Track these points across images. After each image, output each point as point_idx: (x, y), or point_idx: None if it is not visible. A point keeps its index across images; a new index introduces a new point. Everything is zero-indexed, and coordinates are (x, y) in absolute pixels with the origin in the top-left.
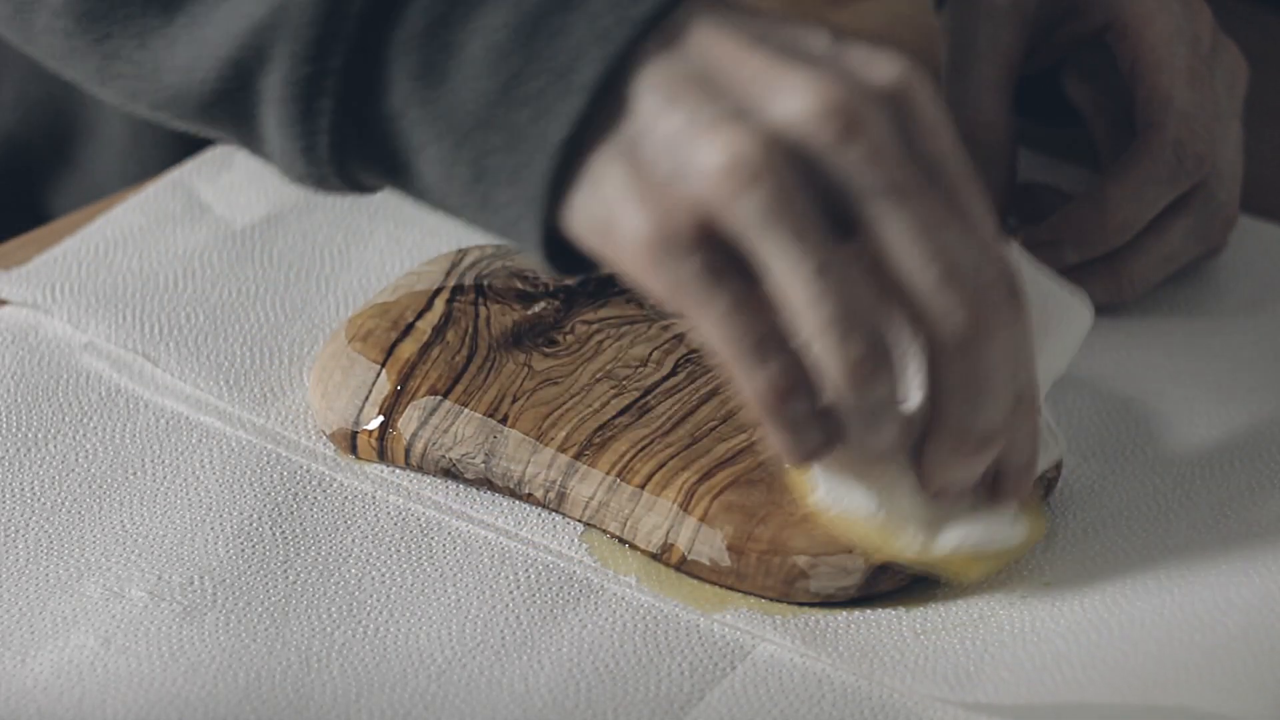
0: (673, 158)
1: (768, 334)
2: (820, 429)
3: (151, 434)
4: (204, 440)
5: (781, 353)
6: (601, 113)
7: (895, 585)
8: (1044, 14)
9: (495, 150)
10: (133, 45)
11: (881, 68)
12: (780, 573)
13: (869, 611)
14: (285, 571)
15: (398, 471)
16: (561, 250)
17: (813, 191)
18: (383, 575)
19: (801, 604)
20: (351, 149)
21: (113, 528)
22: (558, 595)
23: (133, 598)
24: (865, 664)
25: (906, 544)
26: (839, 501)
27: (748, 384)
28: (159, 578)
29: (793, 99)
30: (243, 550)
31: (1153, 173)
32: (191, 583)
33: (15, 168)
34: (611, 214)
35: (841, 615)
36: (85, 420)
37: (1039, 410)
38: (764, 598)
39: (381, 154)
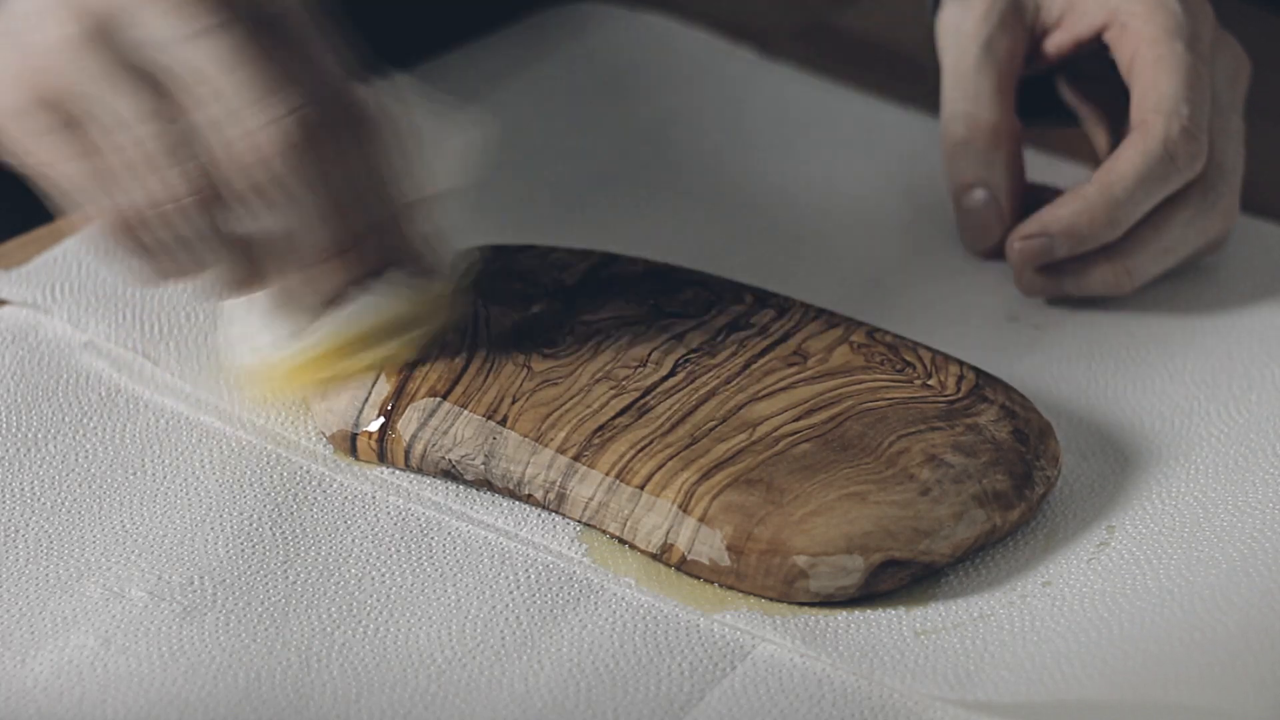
0: (16, 34)
1: (111, 171)
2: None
3: (151, 434)
4: (204, 440)
5: (127, 186)
6: None
7: (895, 585)
8: (1042, 16)
9: None
10: None
11: None
12: (780, 573)
13: (869, 611)
14: (285, 572)
15: (397, 472)
16: None
17: (140, 55)
18: (382, 575)
19: (801, 604)
20: None
21: (113, 528)
22: (557, 596)
23: (133, 598)
24: (865, 664)
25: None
26: (243, 347)
27: (101, 215)
28: (159, 578)
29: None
30: (243, 550)
31: (1145, 169)
32: (191, 583)
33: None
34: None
35: (841, 615)
36: (85, 420)
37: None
38: (764, 598)
39: None
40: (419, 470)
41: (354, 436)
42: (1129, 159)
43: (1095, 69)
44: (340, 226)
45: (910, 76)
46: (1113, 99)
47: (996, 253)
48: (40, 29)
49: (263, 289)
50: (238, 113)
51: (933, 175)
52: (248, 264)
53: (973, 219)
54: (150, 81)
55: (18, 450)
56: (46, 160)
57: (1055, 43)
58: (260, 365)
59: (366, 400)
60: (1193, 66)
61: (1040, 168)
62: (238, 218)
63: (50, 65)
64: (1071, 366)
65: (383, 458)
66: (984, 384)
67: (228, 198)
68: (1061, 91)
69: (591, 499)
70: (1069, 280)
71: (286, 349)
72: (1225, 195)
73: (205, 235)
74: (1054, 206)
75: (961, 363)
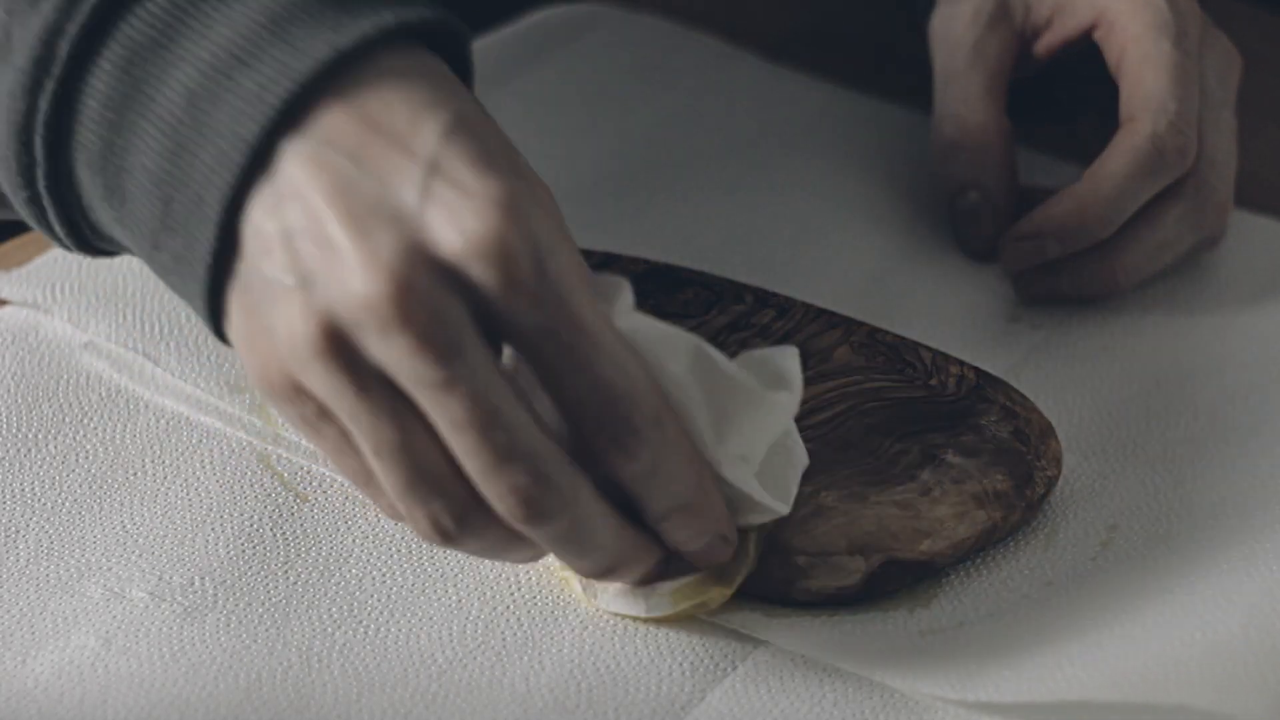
0: (262, 315)
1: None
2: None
3: (152, 434)
4: (204, 440)
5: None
6: (228, 245)
7: (896, 585)
8: (1032, 17)
9: (170, 269)
10: None
11: (462, 226)
12: (780, 573)
13: (870, 612)
14: (286, 572)
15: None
16: None
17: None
18: (383, 576)
19: (802, 604)
20: (95, 240)
21: (113, 528)
22: (558, 595)
23: (133, 598)
24: (866, 664)
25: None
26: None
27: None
28: (160, 578)
29: (348, 280)
30: (243, 551)
31: (1134, 166)
32: (192, 583)
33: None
34: (238, 347)
35: (842, 616)
36: (85, 420)
37: (704, 507)
38: (765, 598)
39: (111, 243)
40: None
41: None
42: (1118, 156)
43: (1087, 70)
44: (594, 560)
45: (910, 77)
46: (1104, 99)
47: (991, 254)
48: (280, 316)
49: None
50: (483, 474)
51: (933, 175)
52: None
53: (966, 221)
54: (392, 399)
55: (18, 450)
56: (313, 444)
57: (1045, 43)
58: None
59: None
60: (1180, 63)
61: (1034, 168)
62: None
63: (291, 360)
64: (1072, 366)
65: None
66: (984, 384)
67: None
68: (1054, 92)
69: None
70: (1065, 280)
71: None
72: (1218, 190)
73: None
74: (1045, 206)
75: (962, 363)
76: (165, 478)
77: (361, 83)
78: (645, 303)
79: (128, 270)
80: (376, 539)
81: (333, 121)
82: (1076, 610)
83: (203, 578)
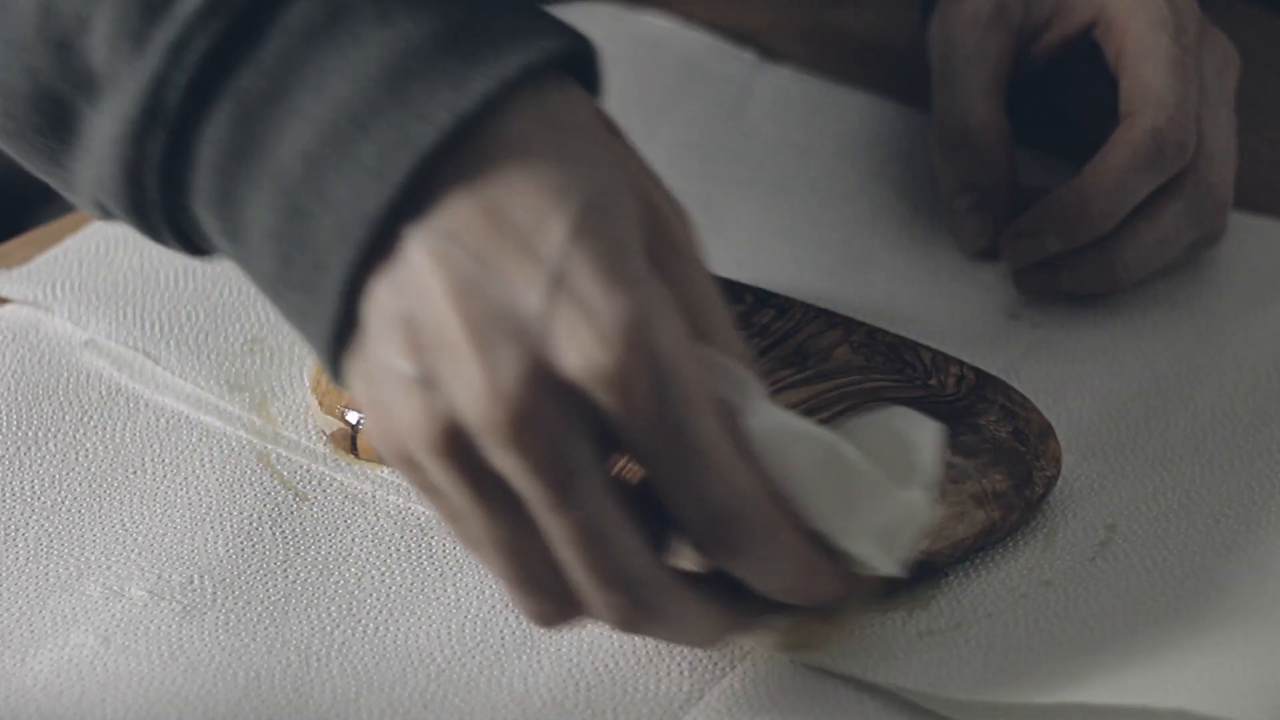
0: (382, 394)
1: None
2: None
3: (152, 433)
4: (204, 439)
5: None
6: (350, 316)
7: (895, 585)
8: (1030, 17)
9: (292, 317)
10: (50, 169)
11: (582, 347)
12: None
13: (869, 613)
14: (285, 571)
15: (398, 471)
16: None
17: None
18: (382, 575)
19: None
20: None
21: (113, 526)
22: None
23: (133, 597)
24: (865, 664)
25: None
26: None
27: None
28: (159, 577)
29: (470, 387)
30: (242, 549)
31: (1132, 162)
32: (191, 582)
33: (20, 196)
34: (359, 404)
35: None
36: (85, 419)
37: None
38: None
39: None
40: None
41: (354, 434)
42: (1117, 150)
43: (1087, 70)
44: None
45: (910, 76)
46: (1105, 99)
47: (991, 253)
48: (399, 404)
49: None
50: (586, 588)
51: (933, 175)
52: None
53: (965, 221)
54: (505, 500)
55: (18, 449)
56: (429, 505)
57: (1045, 43)
58: None
59: None
60: (1179, 58)
61: (1034, 168)
62: None
63: (410, 444)
64: (1072, 366)
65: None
66: (984, 384)
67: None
68: (1054, 92)
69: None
70: (1065, 276)
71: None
72: (1218, 186)
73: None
74: (1045, 201)
75: (961, 363)
76: (165, 476)
77: (486, 159)
78: None
79: (128, 269)
80: (375, 538)
81: (457, 211)
82: (1075, 611)
83: (202, 576)
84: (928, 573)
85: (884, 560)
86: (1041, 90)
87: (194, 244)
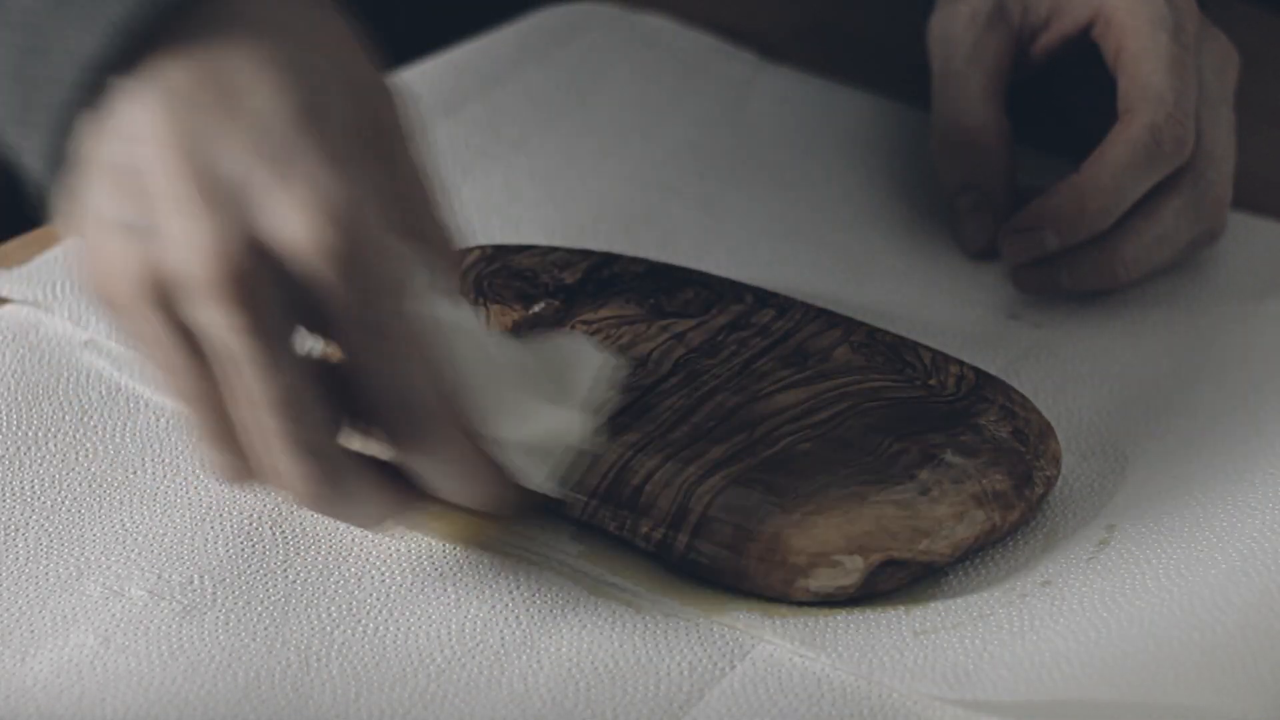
0: (91, 239)
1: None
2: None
3: (152, 432)
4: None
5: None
6: (58, 152)
7: (895, 585)
8: (1029, 17)
9: (20, 153)
10: None
11: (297, 221)
12: (780, 572)
13: (869, 611)
14: (285, 571)
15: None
16: None
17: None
18: (382, 575)
19: (801, 603)
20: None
21: (113, 526)
22: (557, 595)
23: (133, 596)
24: (864, 664)
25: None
26: None
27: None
28: (159, 576)
29: (187, 241)
30: (242, 549)
31: (1131, 157)
32: (191, 581)
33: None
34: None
35: (841, 615)
36: (86, 418)
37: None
38: (763, 597)
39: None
40: None
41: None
42: (1116, 146)
43: (1087, 69)
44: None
45: (910, 76)
46: (1104, 99)
47: (991, 253)
48: (107, 249)
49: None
50: (273, 454)
51: (933, 175)
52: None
53: (965, 221)
54: (199, 356)
55: (18, 448)
56: (137, 350)
57: (1044, 43)
58: None
59: None
60: (1177, 56)
61: (1034, 168)
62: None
63: (115, 288)
64: (1072, 365)
65: None
66: (984, 384)
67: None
68: (1054, 92)
69: (591, 498)
70: (1064, 274)
71: None
72: (1216, 184)
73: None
74: (1044, 198)
75: (961, 362)
76: (165, 476)
77: (212, 24)
78: (646, 302)
79: None
80: (375, 538)
81: (182, 70)
82: (1074, 610)
83: (202, 576)
84: (927, 572)
85: (535, 474)
86: (1041, 90)
87: None
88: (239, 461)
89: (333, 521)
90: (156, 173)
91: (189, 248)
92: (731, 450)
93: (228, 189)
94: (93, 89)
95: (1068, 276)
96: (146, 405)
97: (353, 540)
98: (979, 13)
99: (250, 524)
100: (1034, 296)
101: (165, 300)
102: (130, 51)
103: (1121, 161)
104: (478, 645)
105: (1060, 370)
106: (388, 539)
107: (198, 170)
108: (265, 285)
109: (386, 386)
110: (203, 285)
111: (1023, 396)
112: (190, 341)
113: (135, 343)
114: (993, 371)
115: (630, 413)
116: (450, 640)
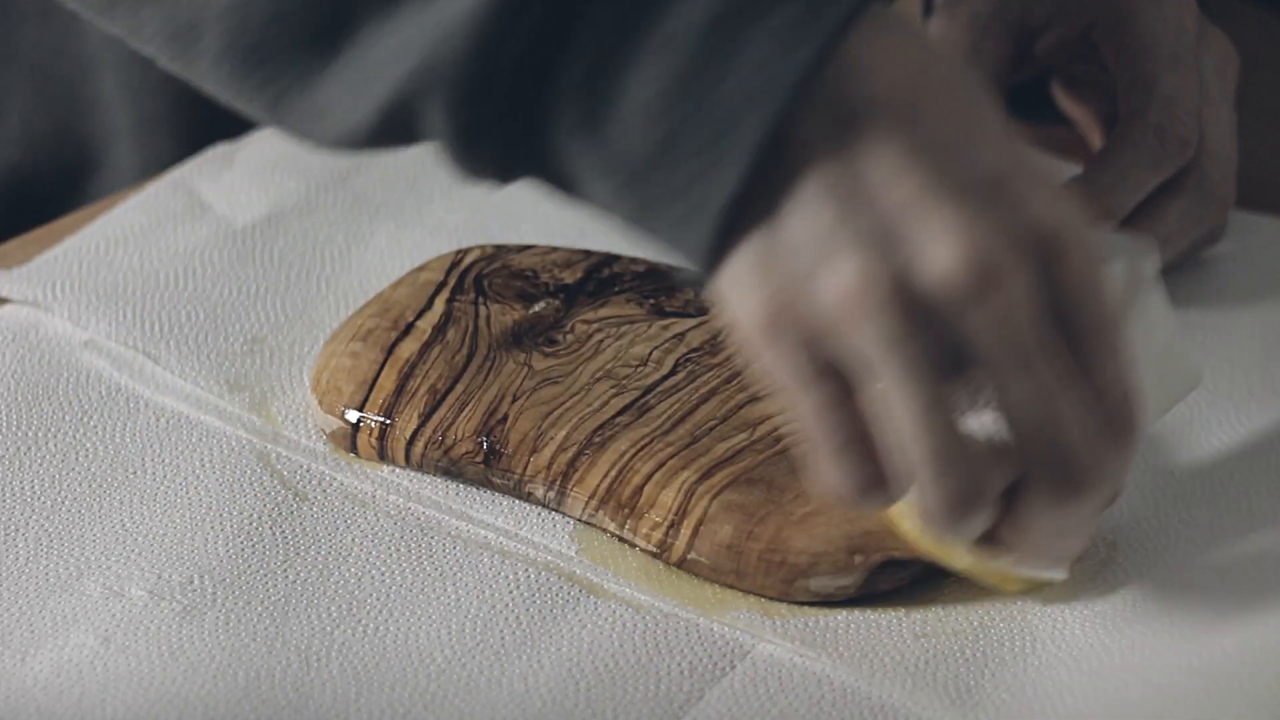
0: (806, 259)
1: (855, 436)
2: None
3: (152, 432)
4: (204, 439)
5: (864, 458)
6: (756, 183)
7: (895, 585)
8: (1029, 20)
9: (659, 199)
10: (295, 90)
11: (1040, 209)
12: (780, 572)
13: (869, 612)
14: (285, 571)
15: (397, 471)
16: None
17: (935, 329)
18: (382, 575)
19: (801, 603)
20: (520, 172)
21: (113, 526)
22: (557, 595)
23: (133, 596)
24: (864, 666)
25: (961, 556)
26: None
27: (826, 472)
28: (159, 576)
29: (934, 244)
30: (242, 549)
31: (1135, 157)
32: (191, 582)
33: (23, 200)
34: (741, 285)
35: (841, 616)
36: (85, 418)
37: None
38: (764, 596)
39: (550, 176)
40: (419, 468)
41: (354, 434)
42: (1120, 147)
43: (1087, 72)
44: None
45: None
46: (1105, 100)
47: None
48: (834, 266)
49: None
50: (1023, 447)
51: None
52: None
53: None
54: (937, 365)
55: (18, 448)
56: (794, 392)
57: (1044, 45)
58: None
59: (367, 398)
60: (1179, 56)
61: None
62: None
63: (828, 310)
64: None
65: (383, 456)
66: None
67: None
68: (1057, 99)
69: (591, 498)
70: None
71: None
72: (1220, 183)
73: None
74: None
75: None
76: (165, 476)
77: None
78: (646, 302)
79: (128, 269)
80: (375, 538)
81: (893, 75)
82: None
83: (202, 576)
84: (927, 572)
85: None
86: (1041, 90)
87: (503, 157)
88: (870, 470)
89: (333, 521)
90: (898, 178)
91: (944, 246)
92: (732, 450)
93: (978, 189)
94: (799, 100)
95: None
96: (146, 405)
97: (353, 540)
98: (978, 15)
99: (250, 524)
100: None
101: (906, 309)
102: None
103: (1129, 161)
104: (478, 645)
105: None
106: (390, 537)
107: (934, 169)
108: (1016, 280)
109: (1038, 422)
110: (959, 283)
111: None
112: (925, 352)
113: (801, 383)
114: None
115: (630, 412)
116: (450, 640)
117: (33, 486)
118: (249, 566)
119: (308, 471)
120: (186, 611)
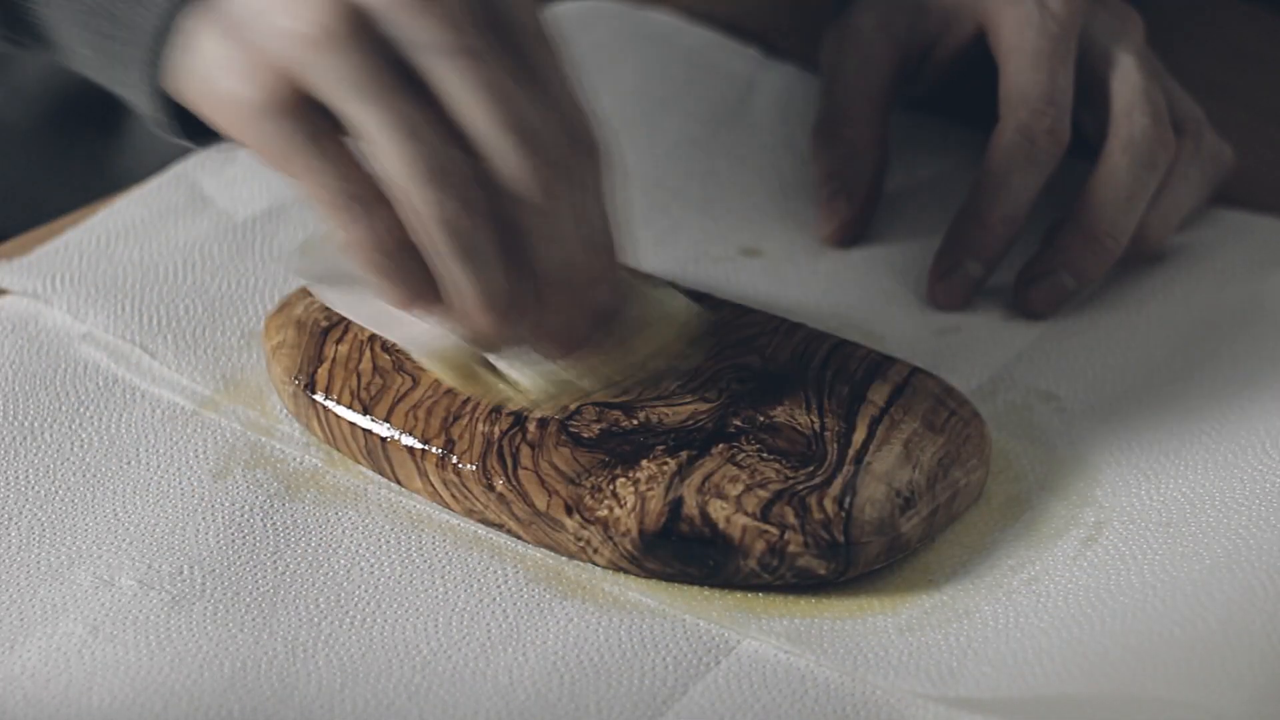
0: (258, 21)
1: (366, 191)
2: (424, 277)
3: (146, 424)
4: (197, 432)
5: (380, 208)
6: None
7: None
8: (917, 33)
9: (111, 16)
10: None
11: None
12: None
13: (854, 609)
14: (274, 562)
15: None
16: (187, 115)
17: (395, 53)
18: (370, 567)
19: (786, 588)
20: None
21: (104, 517)
22: (543, 590)
23: (122, 586)
24: (848, 660)
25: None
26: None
27: (350, 238)
28: (149, 567)
29: None
30: (233, 541)
31: (1009, 162)
32: (181, 572)
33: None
34: (210, 75)
35: (827, 612)
36: (81, 410)
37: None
38: (752, 589)
39: (15, 26)
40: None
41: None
42: (993, 156)
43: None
44: (591, 262)
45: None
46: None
47: (845, 240)
48: (286, 17)
49: (512, 330)
50: (494, 146)
51: (936, 175)
52: (504, 299)
53: (823, 206)
54: (407, 87)
55: (14, 438)
56: (294, 173)
57: (940, 53)
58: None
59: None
60: (1043, 50)
61: None
62: (490, 253)
63: (295, 60)
64: (1068, 362)
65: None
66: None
67: (482, 230)
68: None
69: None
70: (1064, 275)
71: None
72: (1203, 137)
73: (462, 265)
74: (1060, 251)
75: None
76: (158, 467)
77: None
78: None
79: (127, 262)
80: (365, 531)
81: None
82: (1059, 607)
83: (191, 567)
84: (916, 567)
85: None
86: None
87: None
88: (455, 202)
89: (323, 515)
90: None
91: None
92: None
93: None
94: None
95: (1070, 278)
96: (142, 398)
97: (342, 533)
98: (865, 28)
99: (240, 515)
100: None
101: (363, 31)
102: None
103: (1002, 169)
104: (464, 638)
105: (1056, 367)
106: (379, 530)
107: None
108: None
109: (496, 115)
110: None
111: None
112: (394, 72)
113: (300, 155)
114: (991, 371)
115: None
116: (436, 632)
117: (27, 476)
118: (239, 558)
119: (300, 465)
120: (175, 602)
